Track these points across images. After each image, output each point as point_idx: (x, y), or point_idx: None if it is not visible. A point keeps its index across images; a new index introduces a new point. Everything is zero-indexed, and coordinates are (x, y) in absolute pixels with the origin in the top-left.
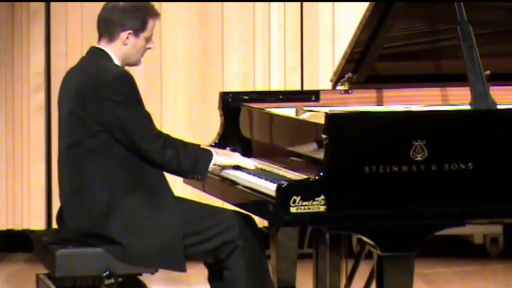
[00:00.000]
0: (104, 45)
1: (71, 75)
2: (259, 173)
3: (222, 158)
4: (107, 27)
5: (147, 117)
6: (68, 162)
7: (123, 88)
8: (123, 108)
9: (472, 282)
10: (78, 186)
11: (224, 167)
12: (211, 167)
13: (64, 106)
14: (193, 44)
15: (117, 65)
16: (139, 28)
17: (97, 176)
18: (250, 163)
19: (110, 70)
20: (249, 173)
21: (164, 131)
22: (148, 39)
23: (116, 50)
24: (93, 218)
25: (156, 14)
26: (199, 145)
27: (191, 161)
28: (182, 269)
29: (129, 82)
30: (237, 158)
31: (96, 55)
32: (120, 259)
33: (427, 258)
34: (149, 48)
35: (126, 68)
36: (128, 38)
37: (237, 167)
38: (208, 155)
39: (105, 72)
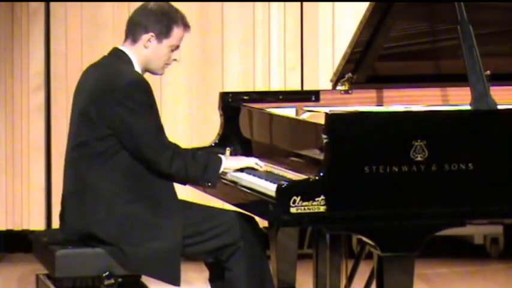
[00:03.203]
0: (126, 47)
1: (88, 73)
2: (260, 174)
3: (231, 162)
4: (132, 28)
5: (158, 126)
6: (73, 162)
7: (136, 95)
8: (133, 115)
9: (472, 283)
10: (81, 187)
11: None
12: (221, 172)
13: (77, 104)
14: (193, 44)
15: (135, 70)
16: (162, 33)
17: (101, 180)
18: (260, 164)
19: (126, 74)
20: (249, 174)
21: (172, 140)
22: (173, 49)
23: (137, 53)
24: (94, 220)
25: (183, 24)
26: (209, 153)
27: (200, 170)
28: (177, 282)
29: (143, 89)
30: (246, 161)
31: (116, 57)
32: (118, 261)
33: (427, 258)
34: (175, 60)
35: (147, 75)
36: (149, 40)
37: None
38: (217, 162)
39: (120, 76)
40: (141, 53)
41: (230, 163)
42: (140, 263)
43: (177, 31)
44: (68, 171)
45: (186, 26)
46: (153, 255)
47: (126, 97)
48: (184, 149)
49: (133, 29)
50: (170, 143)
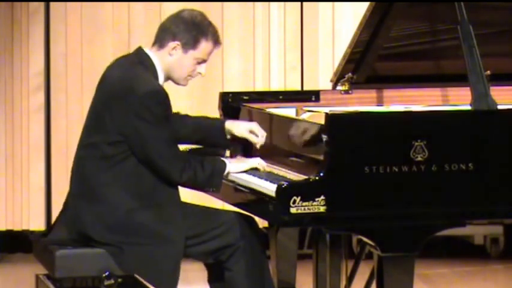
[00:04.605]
0: (152, 51)
1: (111, 71)
2: (260, 174)
3: (235, 166)
4: (161, 34)
5: (171, 137)
6: (81, 161)
7: (152, 106)
8: (148, 125)
9: (472, 283)
10: (86, 189)
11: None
12: (224, 176)
13: (94, 103)
14: None
15: (154, 80)
16: (189, 43)
17: (107, 184)
18: (262, 164)
19: (145, 83)
20: (249, 174)
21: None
22: (198, 61)
23: (161, 59)
24: (95, 224)
25: (214, 40)
26: (214, 159)
27: (206, 177)
28: None
29: (160, 100)
30: (249, 162)
31: (139, 60)
32: (118, 263)
33: (427, 258)
34: (199, 73)
35: (168, 83)
36: (175, 49)
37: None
38: (222, 168)
39: (139, 84)
40: (165, 60)
41: (233, 167)
42: (139, 268)
43: (205, 45)
44: (75, 170)
45: (216, 42)
46: (153, 262)
47: (142, 107)
48: (195, 158)
49: (162, 35)
50: (181, 154)
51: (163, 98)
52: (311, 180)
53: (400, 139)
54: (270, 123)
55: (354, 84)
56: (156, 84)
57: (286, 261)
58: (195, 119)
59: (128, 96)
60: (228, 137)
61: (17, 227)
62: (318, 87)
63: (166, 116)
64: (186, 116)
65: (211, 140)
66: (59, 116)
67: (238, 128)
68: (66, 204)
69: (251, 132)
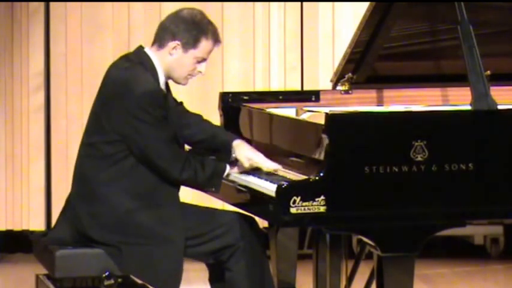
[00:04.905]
0: (152, 51)
1: (111, 73)
2: (259, 173)
3: (234, 169)
4: (160, 33)
5: (170, 137)
6: (82, 160)
7: (149, 107)
8: (146, 126)
9: (472, 283)
10: (86, 189)
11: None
12: (224, 177)
13: (94, 103)
14: None
15: (152, 80)
16: (189, 43)
17: (107, 185)
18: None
19: (142, 84)
20: (249, 174)
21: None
22: (198, 60)
23: (161, 59)
24: (95, 224)
25: (213, 38)
26: (215, 160)
27: (207, 177)
28: None
29: (156, 101)
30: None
31: (139, 60)
32: (117, 263)
33: (427, 258)
34: (199, 72)
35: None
36: (175, 48)
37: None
38: (222, 169)
39: (137, 85)
40: (165, 59)
41: (233, 171)
42: (139, 268)
43: (205, 44)
44: (76, 170)
45: (216, 40)
46: (153, 262)
47: (139, 108)
48: (195, 157)
49: (162, 34)
50: (181, 152)
51: (159, 99)
52: (311, 180)
53: (400, 139)
54: (270, 123)
55: (354, 84)
56: (153, 84)
57: (286, 261)
58: (214, 129)
59: (125, 97)
60: (234, 155)
61: (17, 227)
62: (318, 87)
63: (163, 116)
64: (207, 122)
65: (217, 155)
66: (59, 116)
67: (239, 153)
68: (67, 203)
69: (249, 161)
